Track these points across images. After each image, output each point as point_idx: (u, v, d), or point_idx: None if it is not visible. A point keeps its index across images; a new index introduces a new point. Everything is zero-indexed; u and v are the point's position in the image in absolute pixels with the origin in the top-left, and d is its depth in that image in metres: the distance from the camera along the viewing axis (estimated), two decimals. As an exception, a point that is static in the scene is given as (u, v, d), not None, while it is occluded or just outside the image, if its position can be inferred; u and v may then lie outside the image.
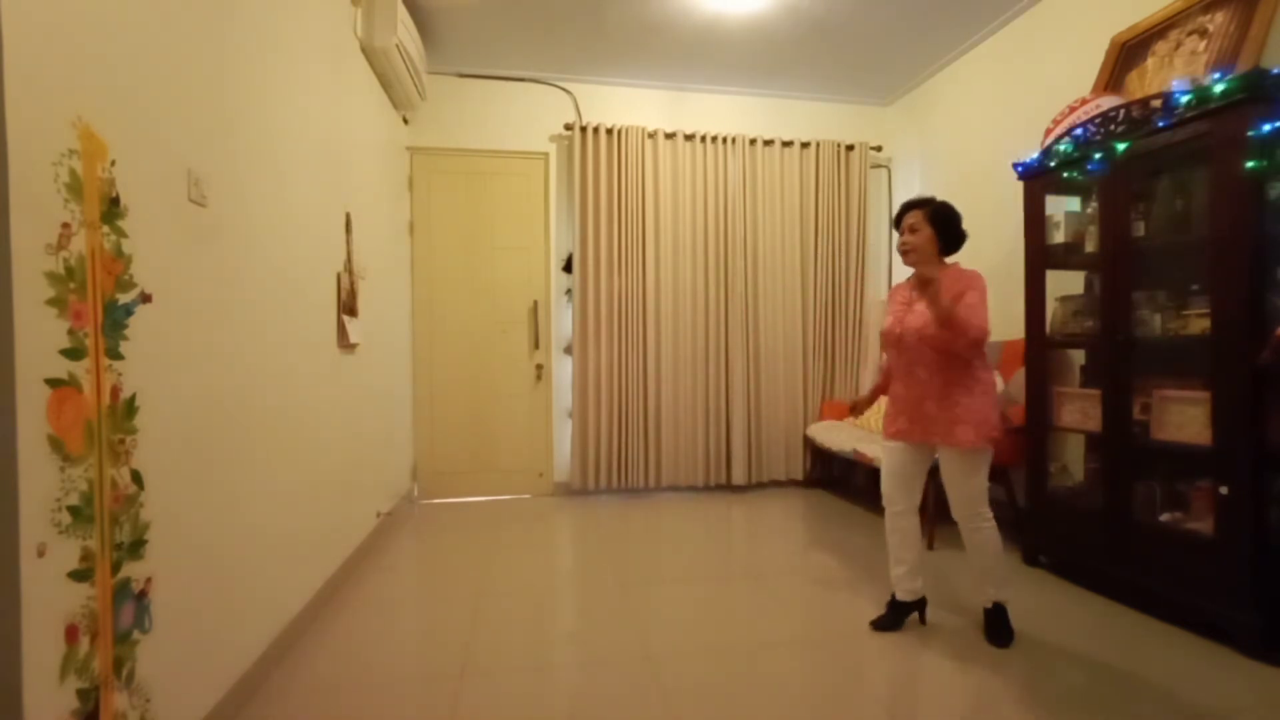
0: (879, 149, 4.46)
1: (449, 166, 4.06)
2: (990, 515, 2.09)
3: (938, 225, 2.07)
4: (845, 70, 4.04)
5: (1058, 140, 2.54)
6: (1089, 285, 2.64)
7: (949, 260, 2.11)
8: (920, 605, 2.18)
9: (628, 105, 4.17)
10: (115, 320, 1.23)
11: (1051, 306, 2.68)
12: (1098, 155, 2.37)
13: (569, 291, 4.13)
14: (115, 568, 1.22)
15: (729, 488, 4.23)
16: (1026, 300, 2.72)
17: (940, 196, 4.00)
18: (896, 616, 2.16)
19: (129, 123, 1.28)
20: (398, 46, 2.99)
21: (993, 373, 2.04)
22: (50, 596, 1.06)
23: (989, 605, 2.10)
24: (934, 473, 2.91)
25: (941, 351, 2.01)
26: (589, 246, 4.00)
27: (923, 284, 1.88)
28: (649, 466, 4.10)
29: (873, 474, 3.95)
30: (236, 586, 1.71)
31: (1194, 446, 2.10)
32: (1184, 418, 2.15)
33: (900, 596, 2.16)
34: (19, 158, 1.01)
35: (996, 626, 2.07)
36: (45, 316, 1.06)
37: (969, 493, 2.09)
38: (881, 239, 4.55)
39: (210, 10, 1.60)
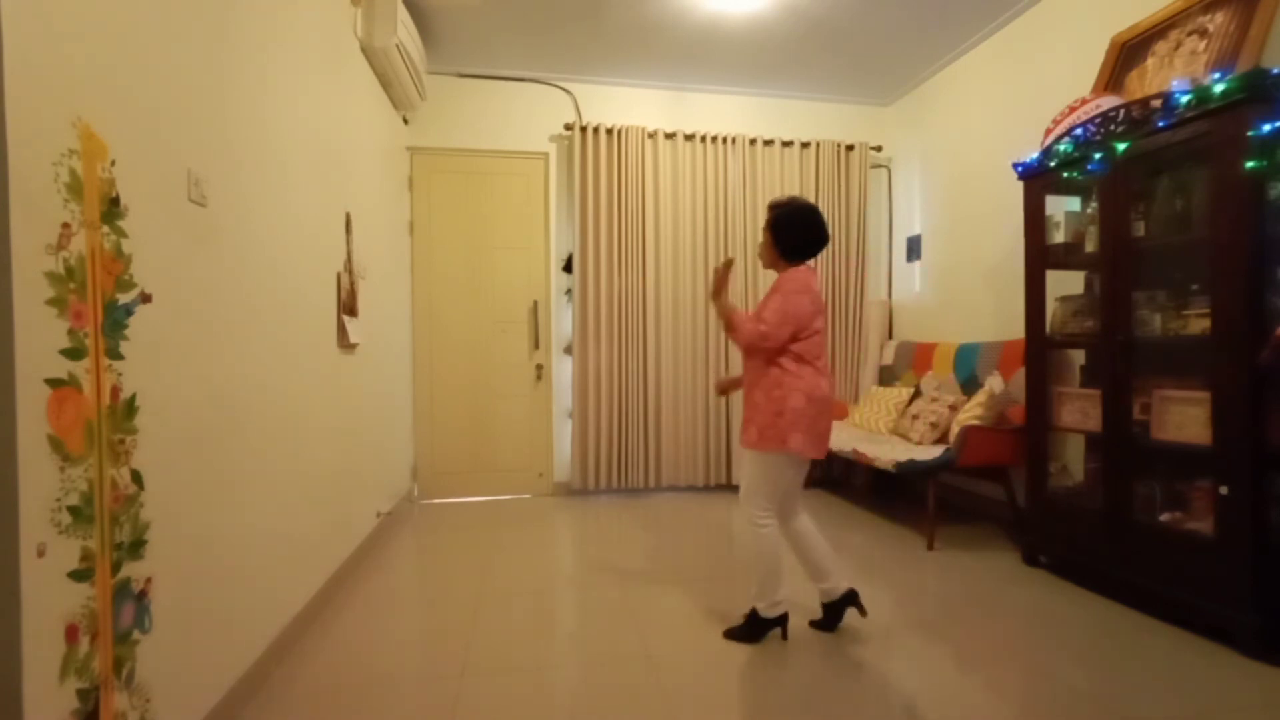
0: (879, 149, 4.46)
1: (449, 166, 4.06)
2: (763, 521, 2.03)
3: (774, 231, 2.07)
4: (845, 70, 4.04)
5: (1058, 140, 2.54)
6: (1089, 285, 2.64)
7: (807, 264, 2.09)
8: (849, 600, 2.13)
9: (628, 105, 4.17)
10: (115, 320, 1.23)
11: (1051, 306, 2.68)
12: (1098, 155, 2.37)
13: (569, 291, 4.13)
14: (115, 568, 1.22)
15: (729, 488, 4.23)
16: (1026, 300, 2.72)
17: (940, 196, 4.06)
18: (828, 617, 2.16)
19: (129, 123, 1.28)
20: (398, 46, 2.99)
21: (805, 378, 1.98)
22: (50, 596, 1.06)
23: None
24: (931, 472, 2.93)
25: (745, 351, 2.06)
26: (589, 246, 4.01)
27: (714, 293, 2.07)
28: (649, 466, 4.10)
29: (873, 474, 3.96)
30: (236, 586, 1.71)
31: (1194, 446, 2.10)
32: (1184, 418, 2.15)
33: (821, 599, 2.16)
34: (19, 158, 1.01)
35: (744, 624, 2.09)
36: (45, 316, 1.06)
37: (746, 489, 2.08)
38: (881, 239, 4.55)
39: (210, 10, 1.60)
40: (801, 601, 2.29)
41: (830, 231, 4.22)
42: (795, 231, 2.05)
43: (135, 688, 1.27)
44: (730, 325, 2.02)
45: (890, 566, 2.77)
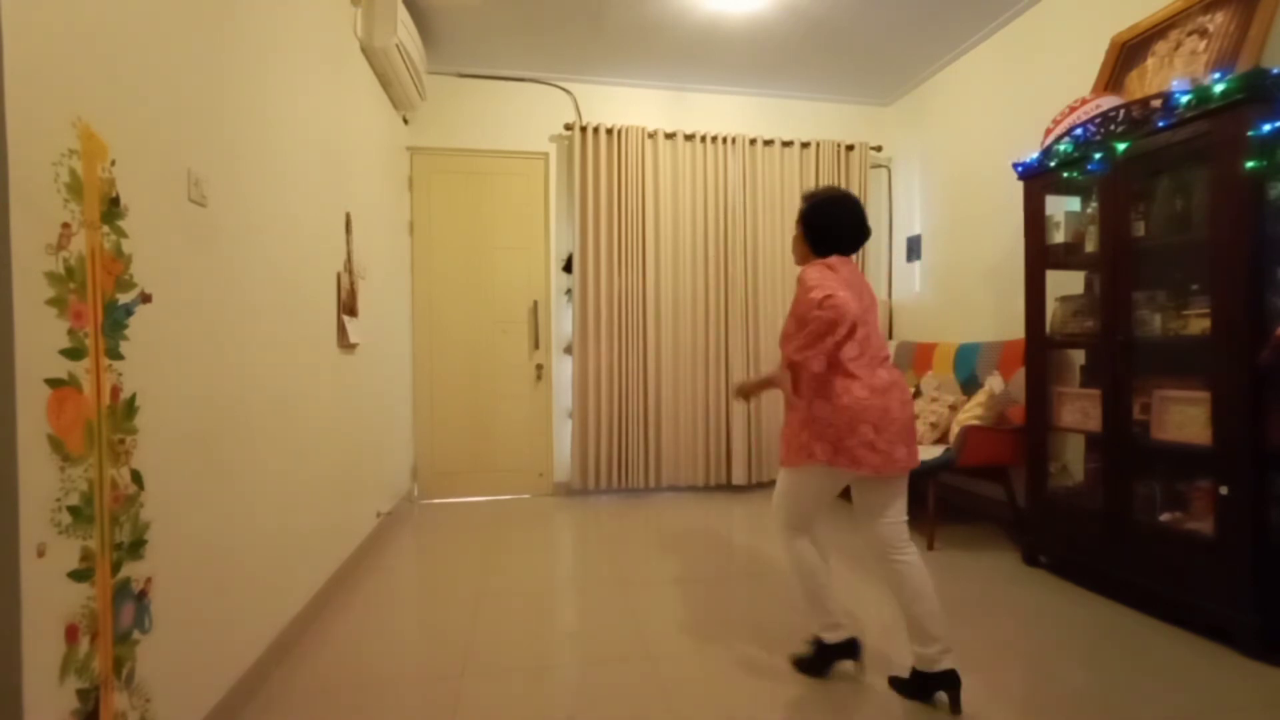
0: (879, 149, 4.46)
1: (449, 166, 4.06)
2: (790, 539, 1.85)
3: (804, 225, 1.88)
4: (845, 70, 4.04)
5: (1058, 140, 2.53)
6: (1089, 285, 2.64)
7: (831, 259, 1.83)
8: (845, 650, 1.88)
9: (628, 105, 4.17)
10: (115, 320, 1.23)
11: (1051, 306, 2.68)
12: (1098, 155, 2.37)
13: (569, 291, 4.13)
14: (115, 568, 1.22)
15: (729, 488, 4.23)
16: (1026, 300, 2.72)
17: (940, 196, 4.06)
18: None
19: (129, 123, 1.28)
20: (398, 46, 2.99)
21: (850, 380, 1.71)
22: (50, 596, 1.06)
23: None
24: (931, 472, 2.93)
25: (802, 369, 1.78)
26: (589, 246, 4.00)
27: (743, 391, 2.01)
28: (649, 466, 4.10)
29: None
30: (236, 586, 1.71)
31: (1194, 446, 2.10)
32: (1184, 418, 2.15)
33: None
34: (19, 158, 1.01)
35: (811, 653, 1.89)
36: (45, 316, 1.06)
37: (773, 508, 1.90)
38: (881, 239, 4.55)
39: (210, 10, 1.60)
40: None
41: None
42: (815, 223, 1.85)
43: (135, 688, 1.27)
44: (794, 358, 1.72)
45: (890, 566, 2.77)
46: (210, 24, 1.60)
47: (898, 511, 1.76)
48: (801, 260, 1.91)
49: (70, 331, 1.11)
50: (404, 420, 3.91)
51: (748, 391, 2.01)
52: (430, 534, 3.35)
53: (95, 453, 1.16)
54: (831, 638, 1.85)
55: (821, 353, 1.66)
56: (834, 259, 1.80)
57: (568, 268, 4.11)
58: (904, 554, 1.73)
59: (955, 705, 1.68)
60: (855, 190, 4.33)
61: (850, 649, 1.85)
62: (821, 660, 1.87)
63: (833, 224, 1.84)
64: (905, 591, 1.71)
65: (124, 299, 1.25)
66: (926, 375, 3.79)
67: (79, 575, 1.12)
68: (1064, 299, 2.67)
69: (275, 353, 1.98)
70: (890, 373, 1.77)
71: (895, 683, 1.80)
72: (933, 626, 1.68)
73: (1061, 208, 2.67)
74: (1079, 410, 2.54)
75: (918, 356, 3.94)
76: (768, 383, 1.92)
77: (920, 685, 1.73)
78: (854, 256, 1.89)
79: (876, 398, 1.70)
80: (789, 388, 1.80)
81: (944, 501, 3.24)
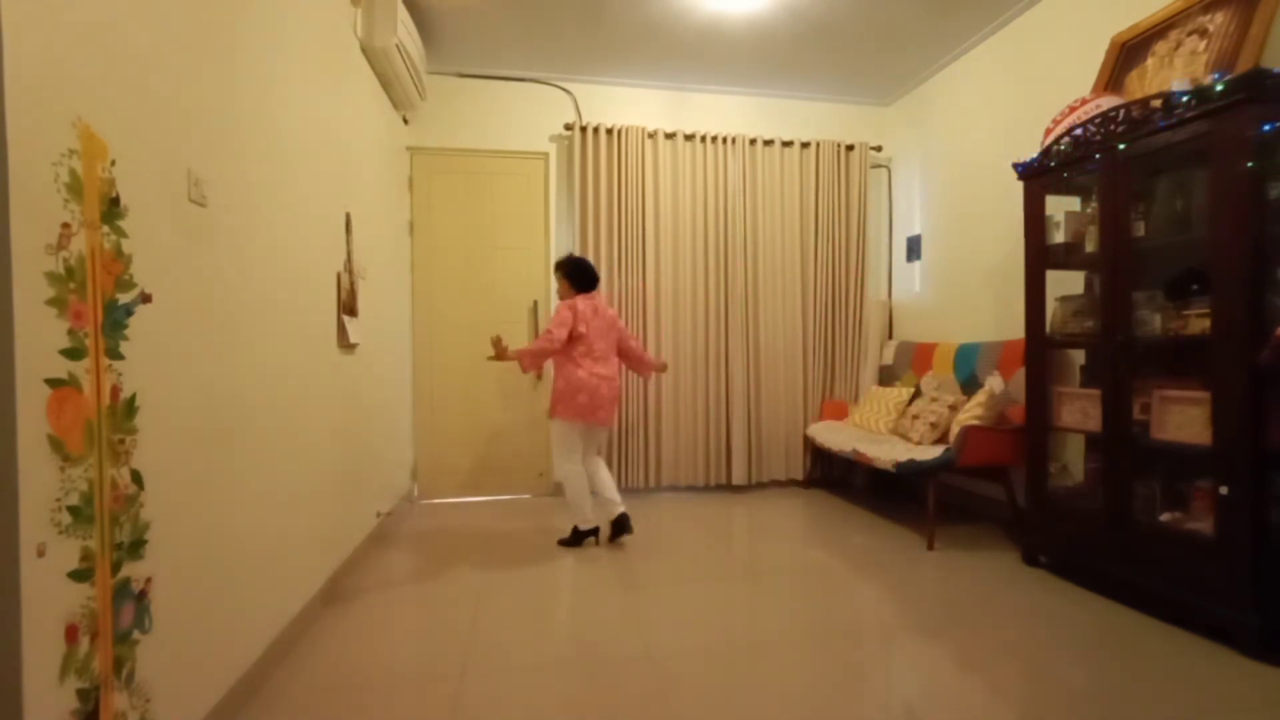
0: (879, 149, 4.46)
1: (449, 166, 4.06)
2: (563, 464, 3.04)
3: (568, 279, 3.09)
4: (845, 70, 4.04)
5: (1058, 140, 2.54)
6: (1089, 285, 2.64)
7: (579, 297, 3.06)
8: (622, 522, 3.04)
9: (628, 105, 4.17)
10: (115, 320, 1.23)
11: (1051, 306, 2.68)
12: (1098, 155, 2.37)
13: (569, 291, 4.13)
14: (115, 568, 1.22)
15: (729, 488, 4.23)
16: (1026, 300, 2.72)
17: (940, 196, 4.07)
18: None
19: (129, 123, 1.28)
20: (398, 46, 2.99)
21: (566, 368, 2.99)
22: (50, 596, 1.06)
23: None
24: (931, 472, 2.93)
25: (547, 355, 3.02)
26: (589, 246, 4.00)
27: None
28: (649, 466, 4.10)
29: (873, 474, 3.96)
30: (237, 586, 1.71)
31: (1194, 446, 2.10)
32: (1184, 418, 2.15)
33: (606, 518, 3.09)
34: (19, 158, 1.01)
35: (570, 536, 3.08)
36: (45, 316, 1.06)
37: (552, 448, 3.17)
38: (881, 239, 4.55)
39: (210, 10, 1.60)
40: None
41: (831, 232, 4.28)
42: (573, 273, 3.08)
43: (135, 688, 1.27)
44: (524, 354, 2.91)
45: (890, 566, 2.77)
46: (210, 24, 1.60)
47: (599, 442, 3.21)
48: (564, 295, 3.10)
49: (70, 331, 1.11)
50: (404, 420, 3.92)
51: (501, 354, 2.93)
52: (430, 534, 3.35)
53: (95, 453, 1.16)
54: (583, 527, 3.05)
55: (544, 356, 2.98)
56: (581, 297, 3.05)
57: (568, 268, 4.12)
58: (595, 460, 3.13)
59: (627, 529, 3.04)
60: (855, 190, 4.35)
61: (595, 533, 3.08)
62: (576, 539, 3.06)
63: (579, 274, 3.09)
64: (592, 479, 3.07)
65: (124, 299, 1.25)
66: (926, 375, 3.79)
67: (79, 575, 1.12)
68: (1064, 299, 2.67)
69: (275, 352, 1.98)
70: (606, 367, 3.03)
71: (609, 530, 3.06)
72: (605, 497, 3.06)
73: (1061, 208, 2.67)
74: (1079, 410, 2.54)
75: (918, 356, 3.94)
76: (514, 356, 2.93)
77: (614, 528, 3.04)
78: (598, 291, 3.15)
79: (591, 379, 2.96)
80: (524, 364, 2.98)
81: (944, 501, 3.23)
